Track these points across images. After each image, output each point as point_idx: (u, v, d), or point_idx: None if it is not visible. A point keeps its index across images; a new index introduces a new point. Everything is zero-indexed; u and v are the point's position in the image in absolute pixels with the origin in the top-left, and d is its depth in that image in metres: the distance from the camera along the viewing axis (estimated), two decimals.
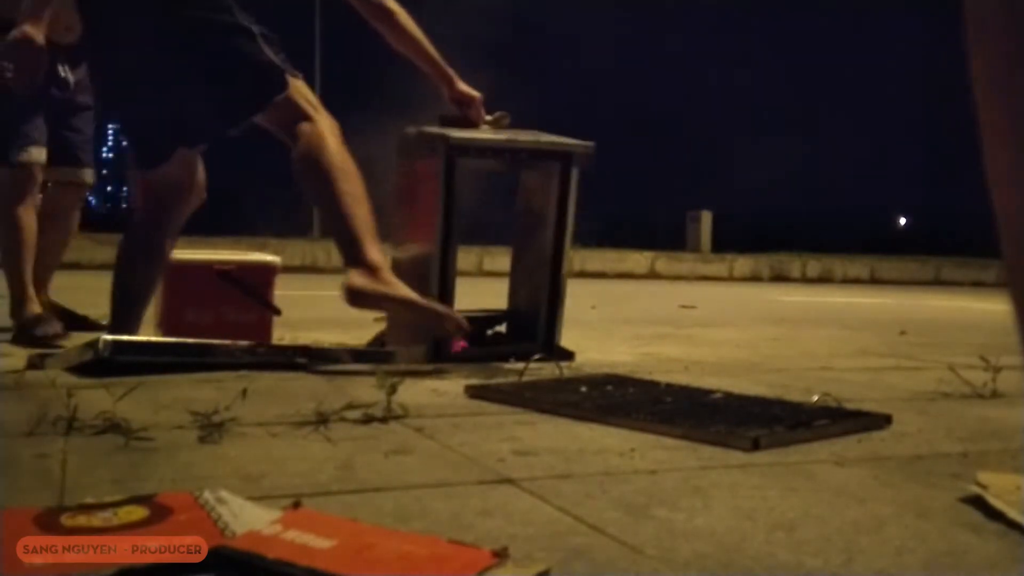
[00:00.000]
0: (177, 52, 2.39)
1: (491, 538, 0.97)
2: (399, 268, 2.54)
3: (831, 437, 1.60)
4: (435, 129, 2.67)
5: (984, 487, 1.18)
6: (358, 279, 2.30)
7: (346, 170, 2.41)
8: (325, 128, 2.45)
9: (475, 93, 2.78)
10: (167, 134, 2.52)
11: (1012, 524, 1.07)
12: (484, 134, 2.75)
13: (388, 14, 2.66)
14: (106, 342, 2.18)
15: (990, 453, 1.53)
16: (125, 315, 2.54)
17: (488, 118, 2.82)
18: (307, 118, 2.46)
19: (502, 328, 2.92)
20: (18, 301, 2.99)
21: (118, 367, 2.11)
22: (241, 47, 2.42)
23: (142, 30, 2.40)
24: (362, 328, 3.05)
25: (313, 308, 4.18)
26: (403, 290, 2.33)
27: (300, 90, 2.49)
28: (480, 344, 2.74)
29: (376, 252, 2.36)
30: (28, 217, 3.01)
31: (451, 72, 2.76)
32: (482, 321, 2.83)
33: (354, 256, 2.34)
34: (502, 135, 2.77)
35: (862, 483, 1.29)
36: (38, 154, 3.01)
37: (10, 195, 2.99)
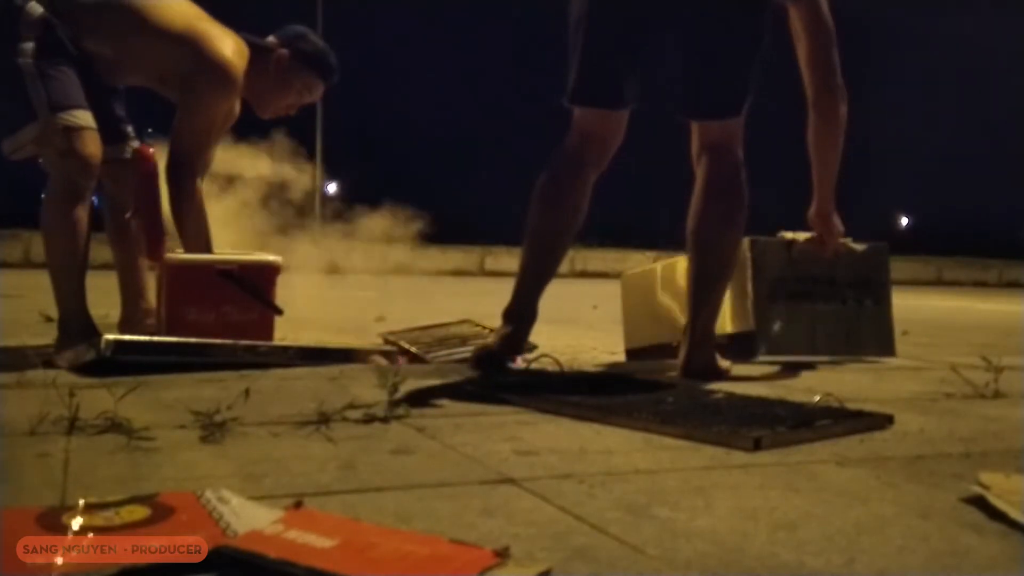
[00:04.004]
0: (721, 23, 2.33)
1: (492, 538, 0.97)
2: None
3: (833, 437, 1.59)
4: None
5: (986, 487, 1.18)
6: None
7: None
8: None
9: (841, 229, 2.79)
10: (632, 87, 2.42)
11: (1014, 524, 1.07)
12: None
13: (835, 115, 2.62)
14: (108, 341, 2.18)
15: (992, 453, 1.53)
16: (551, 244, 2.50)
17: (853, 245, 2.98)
18: (739, 154, 2.46)
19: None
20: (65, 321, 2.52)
21: (120, 366, 2.11)
22: (757, 56, 2.40)
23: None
24: (362, 329, 3.05)
25: (315, 308, 4.19)
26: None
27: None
28: None
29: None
30: (83, 219, 2.50)
31: (832, 201, 2.74)
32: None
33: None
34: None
35: (864, 483, 1.29)
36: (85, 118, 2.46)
37: (66, 188, 2.46)
